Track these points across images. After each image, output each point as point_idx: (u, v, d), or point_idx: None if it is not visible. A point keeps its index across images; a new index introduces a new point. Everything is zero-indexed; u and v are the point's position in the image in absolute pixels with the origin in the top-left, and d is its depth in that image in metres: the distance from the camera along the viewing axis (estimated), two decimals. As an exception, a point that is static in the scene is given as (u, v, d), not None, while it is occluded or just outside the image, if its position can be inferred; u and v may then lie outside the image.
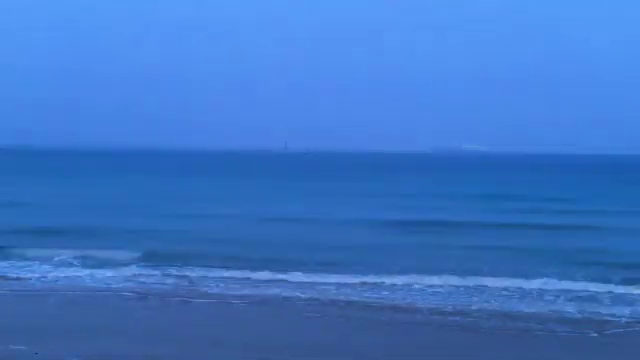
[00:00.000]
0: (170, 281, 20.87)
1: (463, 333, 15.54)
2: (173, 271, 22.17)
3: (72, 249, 25.63)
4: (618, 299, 18.89)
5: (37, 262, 23.26)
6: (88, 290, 19.54)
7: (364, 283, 20.54)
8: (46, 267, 22.63)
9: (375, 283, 20.53)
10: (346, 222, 36.80)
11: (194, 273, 21.86)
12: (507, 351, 14.30)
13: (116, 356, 13.34)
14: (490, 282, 20.47)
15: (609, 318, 16.79)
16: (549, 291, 19.67)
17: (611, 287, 19.99)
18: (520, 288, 19.97)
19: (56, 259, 23.88)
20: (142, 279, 21.15)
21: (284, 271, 21.87)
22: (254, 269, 22.17)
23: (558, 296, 19.10)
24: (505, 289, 19.88)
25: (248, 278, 21.29)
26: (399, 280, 20.76)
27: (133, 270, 22.27)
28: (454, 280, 20.66)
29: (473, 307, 17.78)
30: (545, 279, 20.84)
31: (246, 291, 19.48)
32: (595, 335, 15.34)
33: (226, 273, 21.84)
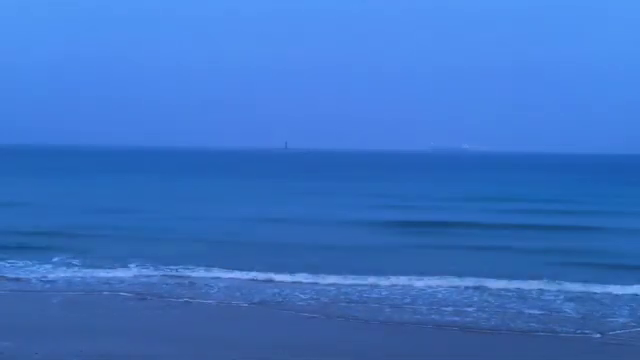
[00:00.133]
0: (170, 281, 20.87)
1: (462, 333, 15.54)
2: (173, 271, 22.18)
3: (72, 249, 25.66)
4: (618, 300, 18.88)
5: (37, 262, 23.25)
6: (88, 290, 19.53)
7: (364, 283, 20.55)
8: (46, 267, 22.62)
9: (375, 283, 20.55)
10: (346, 222, 36.83)
11: (194, 273, 21.88)
12: (507, 351, 14.30)
13: (116, 356, 13.36)
14: (490, 282, 20.47)
15: (609, 319, 16.80)
16: (549, 291, 19.68)
17: (611, 288, 19.98)
18: (519, 288, 19.97)
19: (56, 259, 23.88)
20: (142, 279, 21.15)
21: (284, 271, 21.87)
22: (254, 269, 22.17)
23: (558, 296, 19.10)
24: (505, 289, 19.90)
25: (248, 278, 21.30)
26: (399, 280, 20.78)
27: (133, 270, 22.27)
28: (454, 280, 20.67)
29: (473, 307, 17.80)
30: (545, 279, 20.85)
31: (246, 291, 19.49)
32: (595, 336, 15.34)
33: (226, 273, 21.84)
